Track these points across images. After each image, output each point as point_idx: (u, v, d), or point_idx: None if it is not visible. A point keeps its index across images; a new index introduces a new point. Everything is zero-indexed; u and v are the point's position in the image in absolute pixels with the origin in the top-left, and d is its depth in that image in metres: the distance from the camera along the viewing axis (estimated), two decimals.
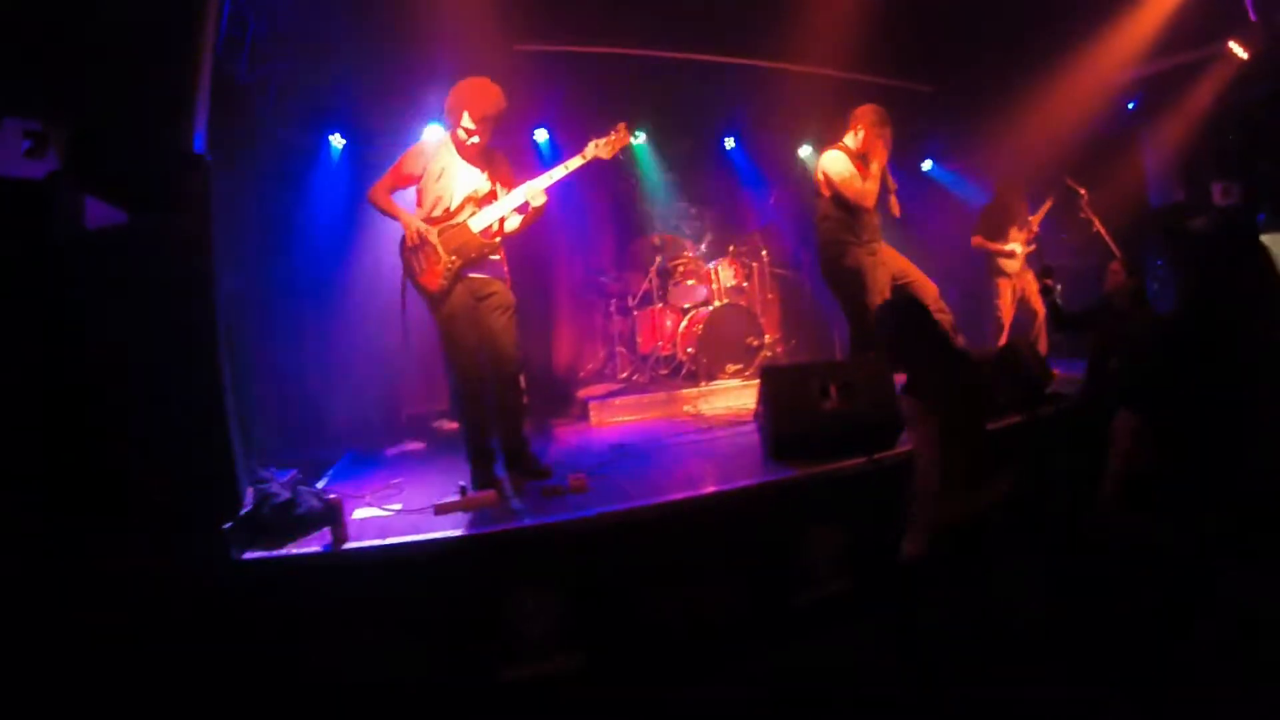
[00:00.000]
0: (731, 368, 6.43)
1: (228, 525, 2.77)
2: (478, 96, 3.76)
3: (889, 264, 4.85)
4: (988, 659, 2.79)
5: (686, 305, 6.75)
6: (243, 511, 2.90)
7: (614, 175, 7.02)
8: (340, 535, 2.93)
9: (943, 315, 4.92)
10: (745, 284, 6.97)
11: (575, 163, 3.91)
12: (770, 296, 7.28)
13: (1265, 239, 4.55)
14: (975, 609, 2.95)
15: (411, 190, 3.94)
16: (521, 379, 4.14)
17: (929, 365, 2.92)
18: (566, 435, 5.62)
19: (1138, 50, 5.70)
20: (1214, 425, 2.71)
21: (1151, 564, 2.81)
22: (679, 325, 6.65)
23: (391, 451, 5.12)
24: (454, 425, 5.92)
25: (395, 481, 4.14)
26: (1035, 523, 4.01)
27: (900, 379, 3.05)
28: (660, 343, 6.76)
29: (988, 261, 6.39)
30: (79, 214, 2.43)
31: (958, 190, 7.86)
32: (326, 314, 5.71)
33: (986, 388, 3.02)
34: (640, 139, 7.18)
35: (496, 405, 3.92)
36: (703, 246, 7.19)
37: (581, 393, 6.68)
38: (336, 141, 5.83)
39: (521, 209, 3.88)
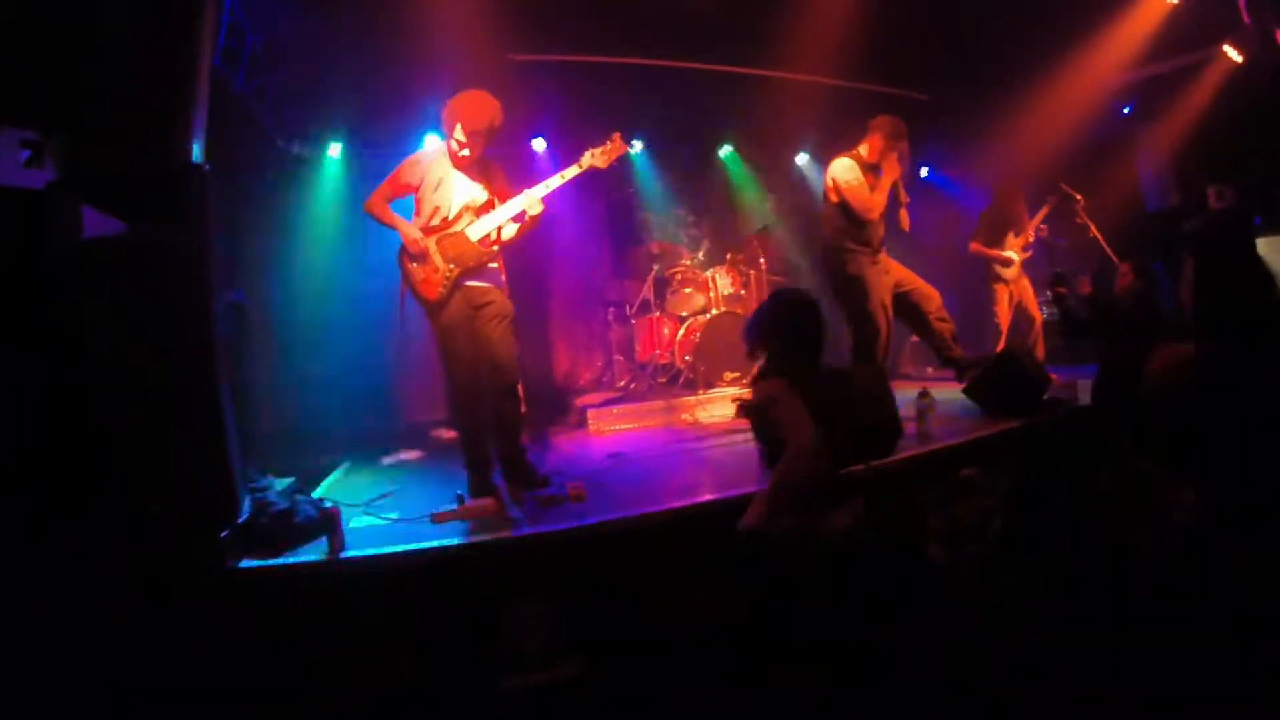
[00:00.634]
0: (730, 375, 6.43)
1: (225, 534, 2.76)
2: (473, 110, 3.76)
3: (893, 271, 4.86)
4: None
5: (684, 313, 6.77)
6: (240, 520, 2.89)
7: (611, 184, 7.05)
8: (337, 544, 2.92)
9: (943, 324, 4.95)
10: (743, 292, 6.98)
11: (571, 172, 3.94)
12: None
13: (1260, 242, 4.59)
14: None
15: (409, 200, 3.95)
16: (519, 388, 4.14)
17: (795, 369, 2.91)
18: (564, 443, 5.63)
19: (1132, 54, 5.73)
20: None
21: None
22: (677, 333, 6.66)
23: (388, 460, 5.12)
24: (452, 434, 5.91)
25: (391, 491, 4.14)
26: (1037, 528, 4.05)
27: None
28: (658, 351, 6.77)
29: (985, 268, 6.41)
30: (77, 224, 2.43)
31: (954, 197, 7.89)
32: (324, 323, 5.72)
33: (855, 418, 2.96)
34: (637, 148, 7.21)
35: (494, 414, 3.90)
36: (700, 254, 7.21)
37: (579, 401, 6.69)
38: (334, 151, 5.85)
39: (518, 218, 3.88)
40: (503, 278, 4.01)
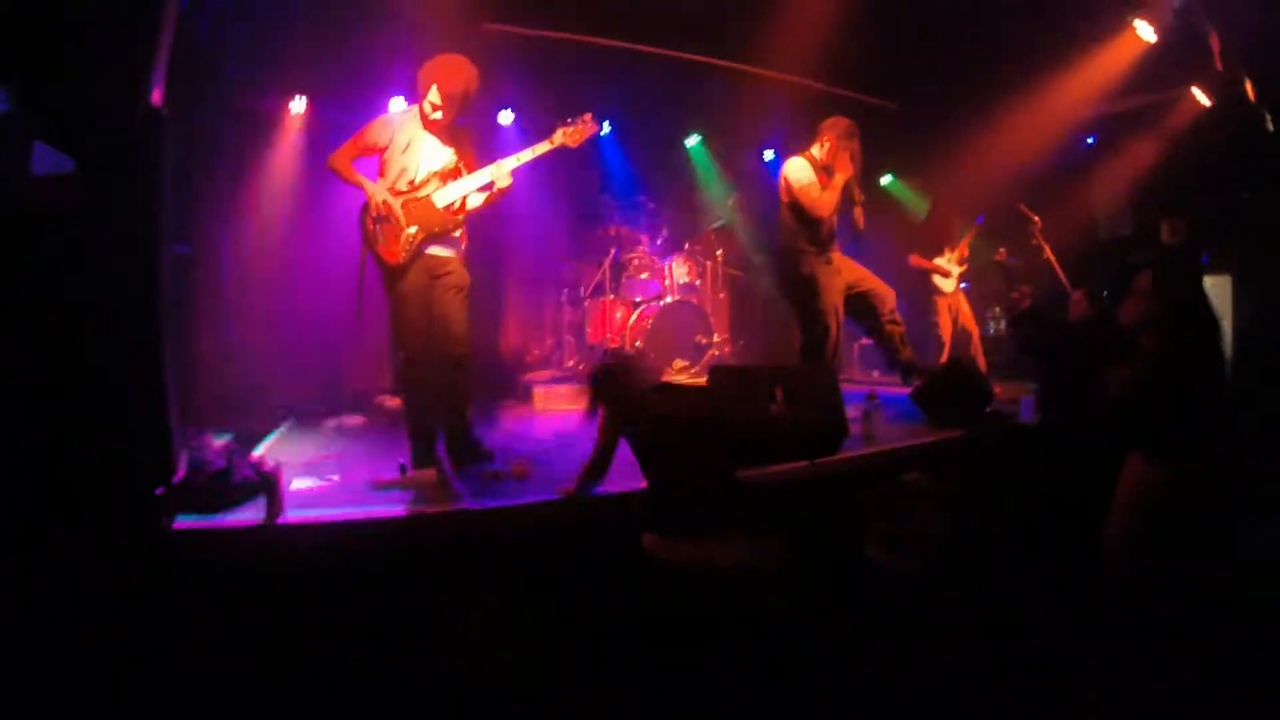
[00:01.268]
0: (679, 364, 6.47)
1: (160, 492, 2.67)
2: (449, 74, 3.68)
3: (845, 273, 4.94)
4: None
5: (638, 299, 6.77)
6: (176, 479, 2.80)
7: (575, 163, 6.97)
8: (276, 507, 2.85)
9: (894, 327, 5.05)
10: (698, 282, 7.02)
11: (542, 148, 3.87)
12: (721, 296, 7.35)
13: (1206, 280, 4.81)
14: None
15: (372, 161, 3.85)
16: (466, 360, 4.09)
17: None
18: (509, 419, 5.60)
19: (1105, 88, 5.89)
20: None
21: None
22: (629, 318, 6.65)
23: (330, 423, 5.01)
24: (396, 402, 5.82)
25: (332, 454, 4.06)
26: (983, 536, 4.19)
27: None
28: (609, 335, 6.75)
29: (925, 280, 6.58)
30: (26, 156, 2.31)
31: (913, 207, 8.06)
32: (274, 283, 5.55)
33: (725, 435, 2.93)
34: (605, 129, 7.17)
35: (443, 386, 3.84)
36: (658, 241, 7.21)
37: (526, 377, 6.66)
38: (296, 107, 5.64)
39: (486, 188, 3.81)
40: (463, 247, 3.93)
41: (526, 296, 7.40)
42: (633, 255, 6.88)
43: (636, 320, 6.59)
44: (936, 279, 6.51)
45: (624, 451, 3.15)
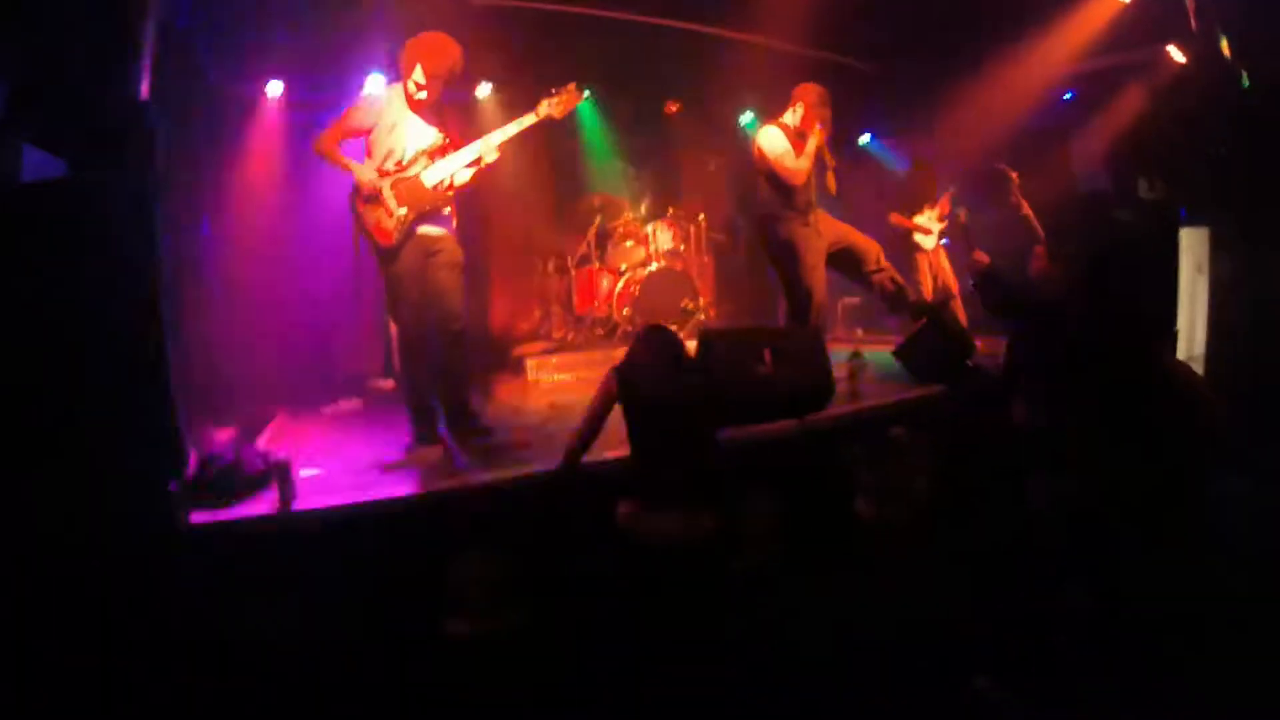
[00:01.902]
0: None
1: (173, 488, 2.74)
2: (434, 52, 3.67)
3: (825, 233, 5.00)
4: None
5: (624, 266, 6.81)
6: (187, 474, 2.86)
7: (557, 133, 6.94)
8: (288, 496, 2.93)
9: (881, 274, 5.14)
10: (682, 248, 7.05)
11: (528, 120, 3.87)
12: (705, 261, 7.40)
13: (1184, 232, 4.91)
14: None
15: (358, 144, 3.84)
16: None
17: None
18: (503, 393, 5.66)
19: (1081, 46, 5.91)
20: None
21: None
22: (615, 286, 6.70)
23: (328, 410, 5.06)
24: (390, 384, 5.88)
25: (337, 440, 4.13)
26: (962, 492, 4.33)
27: None
28: (596, 303, 6.80)
29: (905, 238, 6.66)
30: (16, 164, 2.32)
31: (892, 166, 8.08)
32: (259, 270, 5.53)
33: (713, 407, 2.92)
34: (585, 96, 7.12)
35: (440, 363, 3.88)
36: (642, 209, 7.22)
37: (517, 350, 6.71)
38: (274, 90, 5.57)
39: (474, 164, 3.82)
40: (454, 224, 3.94)
41: (512, 269, 7.40)
42: (617, 223, 6.90)
43: (623, 288, 6.64)
44: (917, 237, 6.59)
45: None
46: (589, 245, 6.91)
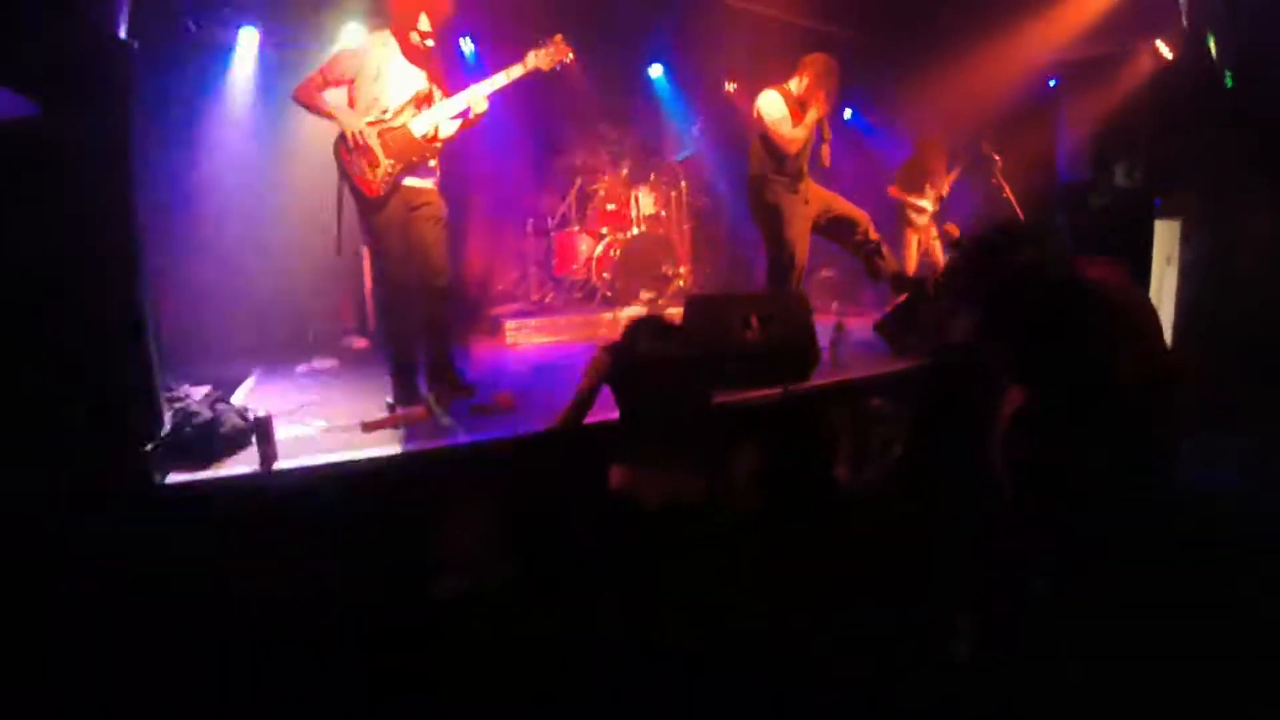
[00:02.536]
0: (645, 295, 6.49)
1: (150, 446, 2.66)
2: (437, 1, 3.62)
3: (814, 201, 4.99)
4: None
5: (604, 230, 6.72)
6: (164, 432, 2.78)
7: (538, 92, 6.80)
8: (270, 454, 2.86)
9: (868, 244, 5.16)
10: (664, 212, 6.99)
11: (516, 71, 3.80)
12: (687, 226, 7.33)
13: (1158, 225, 5.00)
14: None
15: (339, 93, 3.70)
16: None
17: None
18: (482, 353, 5.59)
19: (1071, 34, 5.95)
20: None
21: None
22: (595, 249, 6.62)
23: (303, 368, 4.94)
24: (363, 343, 5.77)
25: (314, 399, 4.04)
26: (933, 459, 4.41)
27: None
28: (575, 266, 6.73)
29: (899, 212, 6.68)
30: None
31: (874, 142, 8.06)
32: (228, 223, 5.35)
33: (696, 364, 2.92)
34: (571, 55, 6.96)
35: (423, 319, 3.85)
36: (624, 171, 7.12)
37: (496, 310, 6.63)
38: (247, 38, 5.33)
39: (461, 115, 3.75)
40: (438, 176, 3.86)
41: (489, 228, 7.24)
42: (598, 185, 6.80)
43: (603, 252, 6.57)
44: (911, 213, 6.61)
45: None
46: (569, 207, 6.81)
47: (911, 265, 6.59)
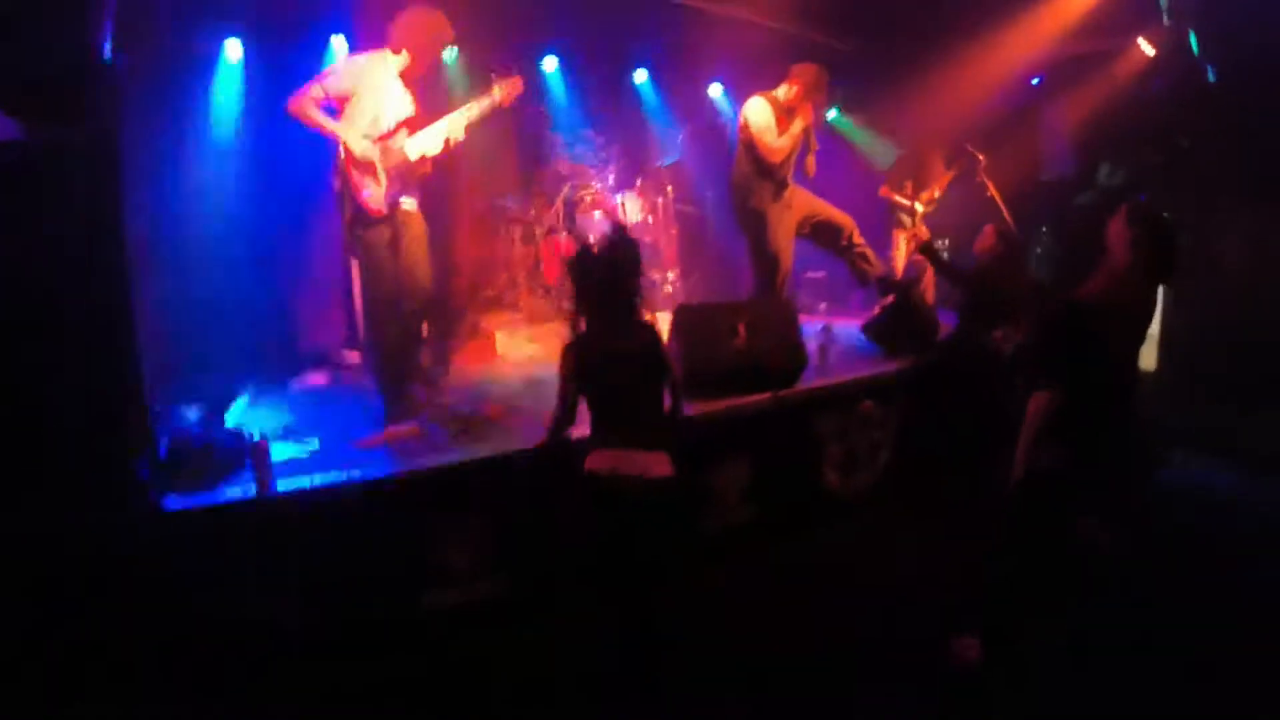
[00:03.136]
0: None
1: (145, 471, 2.67)
2: (437, 29, 3.78)
3: (799, 207, 5.04)
4: None
5: (592, 236, 6.74)
6: (159, 455, 2.80)
7: (522, 100, 6.82)
8: (265, 477, 2.88)
9: (854, 250, 5.22)
10: (650, 219, 7.00)
11: (485, 103, 3.94)
12: (673, 232, 7.34)
13: None
14: None
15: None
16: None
17: (593, 314, 2.85)
18: (472, 364, 5.59)
19: (1054, 33, 5.98)
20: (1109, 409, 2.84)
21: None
22: None
23: (296, 385, 4.96)
24: (355, 356, 5.77)
25: (309, 417, 4.06)
26: (920, 460, 4.47)
27: None
28: (564, 273, 6.74)
29: (889, 213, 6.72)
30: None
31: (860, 143, 8.10)
32: (216, 237, 5.33)
33: (655, 356, 2.78)
34: (551, 65, 6.99)
35: (408, 332, 3.95)
36: (610, 178, 7.13)
37: (484, 322, 6.63)
38: (232, 49, 5.33)
39: (444, 140, 3.85)
40: (419, 196, 3.95)
41: (476, 237, 7.24)
42: (585, 192, 6.80)
43: None
44: (902, 214, 6.66)
45: None
46: (556, 215, 6.82)
47: (898, 266, 6.63)
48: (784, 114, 4.82)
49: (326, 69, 3.78)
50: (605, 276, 2.78)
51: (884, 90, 7.19)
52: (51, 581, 2.33)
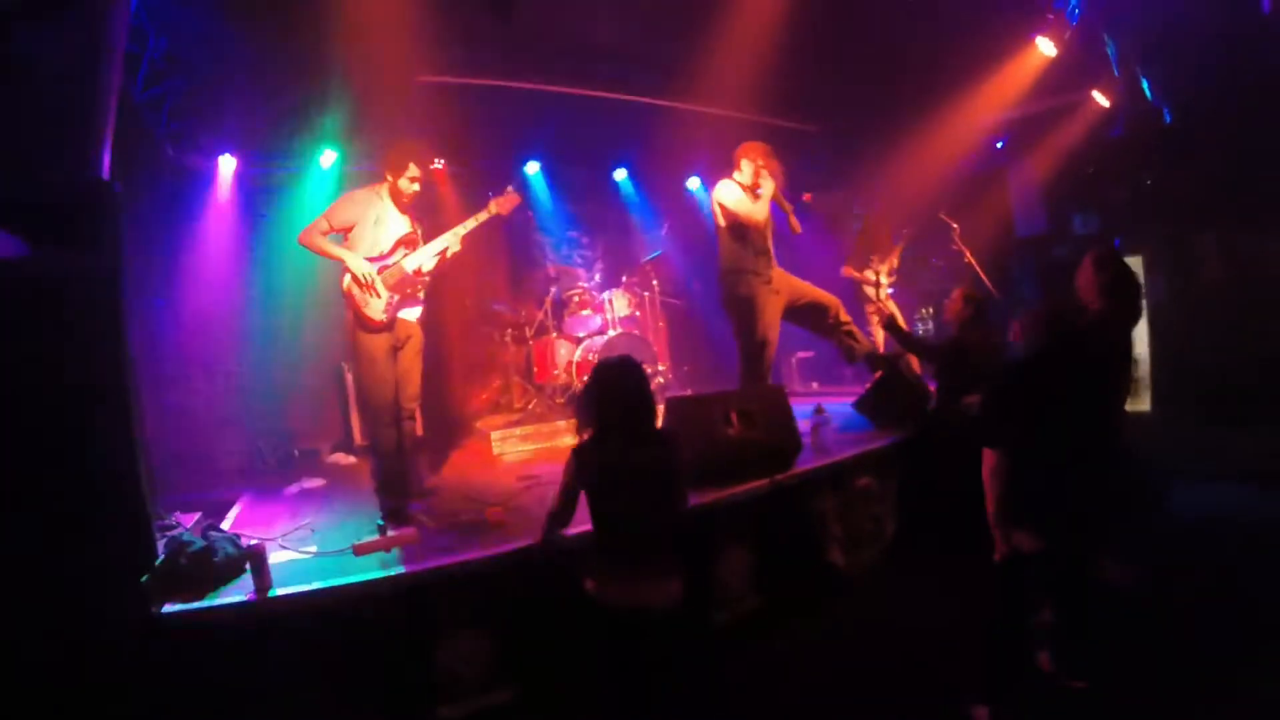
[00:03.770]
0: None
1: (144, 578, 2.64)
2: (425, 156, 4.24)
3: (784, 290, 5.17)
4: None
5: (582, 334, 6.88)
6: (157, 561, 2.76)
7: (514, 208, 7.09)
8: (264, 583, 2.84)
9: (840, 328, 5.33)
10: (638, 313, 7.17)
11: (482, 216, 4.34)
12: (661, 325, 7.52)
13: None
14: None
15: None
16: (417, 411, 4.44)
17: (611, 428, 2.70)
18: (470, 467, 5.58)
19: (1010, 96, 6.33)
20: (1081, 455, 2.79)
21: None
22: (574, 354, 6.75)
23: (291, 490, 4.93)
24: (350, 460, 5.77)
25: (306, 522, 4.02)
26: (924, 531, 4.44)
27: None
28: (556, 372, 6.83)
29: (857, 290, 6.90)
30: None
31: (837, 223, 8.39)
32: (213, 347, 5.43)
33: (669, 473, 2.68)
34: (534, 169, 7.30)
35: (400, 437, 4.18)
36: (596, 276, 7.36)
37: (480, 424, 6.66)
38: (226, 164, 5.57)
39: (441, 253, 4.24)
40: (422, 310, 4.30)
41: (469, 342, 7.40)
42: (573, 292, 7.00)
43: (582, 355, 6.70)
44: (867, 289, 6.84)
45: None
46: (546, 314, 6.97)
47: (879, 340, 6.75)
48: (750, 190, 5.03)
49: (330, 206, 4.15)
50: (629, 386, 2.69)
51: (854, 168, 7.49)
52: (52, 692, 2.26)
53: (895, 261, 6.88)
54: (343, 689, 2.78)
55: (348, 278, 3.99)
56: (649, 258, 7.76)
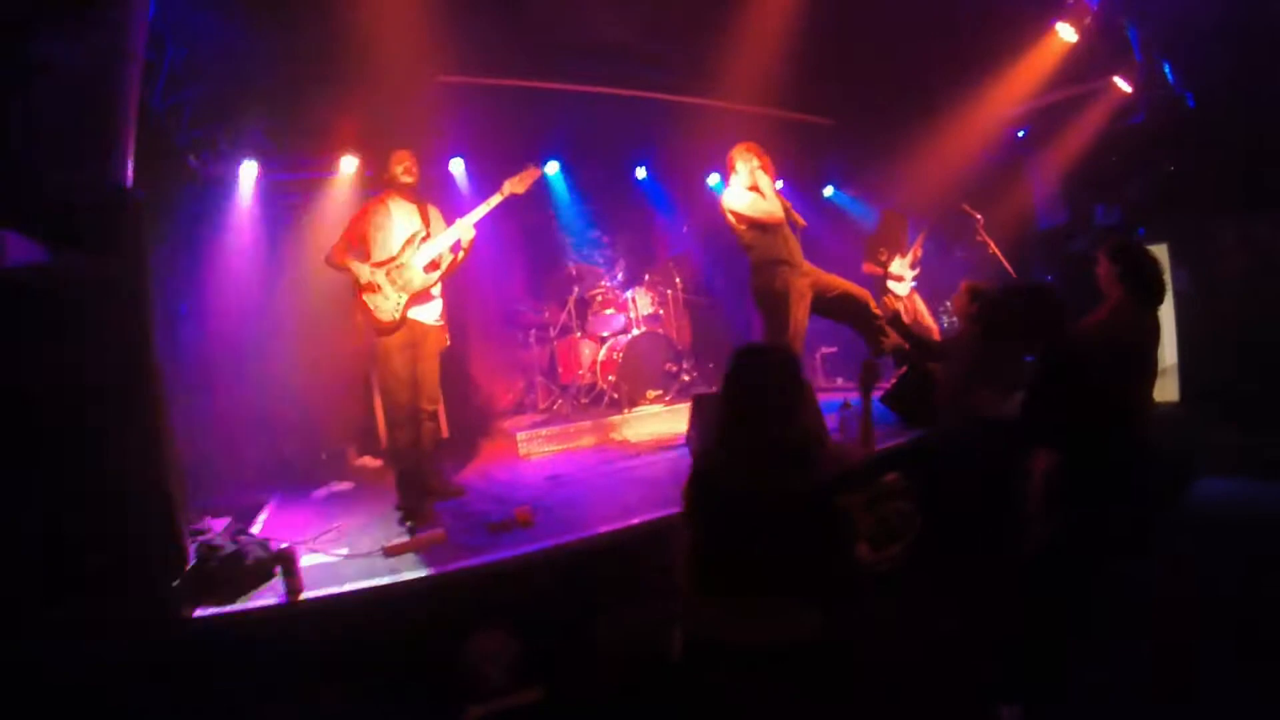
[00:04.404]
0: (652, 394, 6.55)
1: (175, 583, 2.66)
2: (402, 148, 4.30)
3: (817, 284, 5.10)
4: None
5: (605, 334, 6.86)
6: (188, 566, 2.78)
7: (529, 206, 7.08)
8: (295, 585, 2.85)
9: (870, 322, 5.24)
10: (661, 311, 7.13)
11: (495, 200, 4.31)
12: (684, 323, 7.47)
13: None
14: None
15: None
16: (440, 411, 4.62)
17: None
18: (496, 468, 5.59)
19: (1032, 86, 6.17)
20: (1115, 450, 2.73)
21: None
22: (598, 354, 6.74)
23: (320, 493, 4.97)
24: (377, 462, 5.80)
25: (335, 525, 4.04)
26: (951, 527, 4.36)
27: None
28: (581, 371, 6.82)
29: (878, 286, 6.82)
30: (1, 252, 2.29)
31: (858, 216, 8.32)
32: (237, 352, 5.48)
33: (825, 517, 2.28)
34: (554, 169, 7.29)
35: (420, 437, 4.25)
36: (618, 275, 7.32)
37: (507, 424, 6.67)
38: (248, 171, 5.62)
39: (454, 247, 4.24)
40: (443, 309, 4.31)
41: (492, 343, 7.42)
42: (595, 291, 6.98)
43: (606, 355, 6.68)
44: (890, 284, 6.75)
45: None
46: (569, 314, 6.97)
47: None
48: (753, 189, 4.95)
49: (346, 225, 4.30)
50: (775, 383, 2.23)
51: (874, 162, 7.39)
52: (85, 697, 2.28)
53: (917, 254, 6.79)
54: (373, 690, 2.77)
55: (358, 285, 4.10)
56: (671, 255, 7.73)
